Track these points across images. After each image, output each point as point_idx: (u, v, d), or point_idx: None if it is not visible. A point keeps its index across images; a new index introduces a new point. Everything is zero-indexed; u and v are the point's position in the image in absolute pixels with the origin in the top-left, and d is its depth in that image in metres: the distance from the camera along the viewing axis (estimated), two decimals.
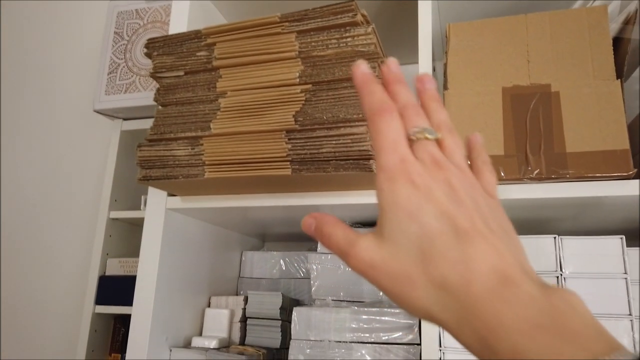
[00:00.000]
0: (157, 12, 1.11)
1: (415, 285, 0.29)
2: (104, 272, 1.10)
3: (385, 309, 0.69)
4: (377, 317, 0.69)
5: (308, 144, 0.62)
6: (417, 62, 0.73)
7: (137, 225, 1.19)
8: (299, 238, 1.09)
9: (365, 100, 0.33)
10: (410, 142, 0.32)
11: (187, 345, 0.82)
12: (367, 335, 0.69)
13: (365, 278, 0.32)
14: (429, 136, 0.32)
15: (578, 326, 0.25)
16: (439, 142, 0.33)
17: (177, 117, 0.70)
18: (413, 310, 0.30)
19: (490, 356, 0.27)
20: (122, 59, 1.10)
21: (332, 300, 0.78)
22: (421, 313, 0.30)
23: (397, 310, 0.69)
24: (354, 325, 0.69)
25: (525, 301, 0.26)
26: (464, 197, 0.30)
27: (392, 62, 0.35)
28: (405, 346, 0.67)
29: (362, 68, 0.34)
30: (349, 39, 0.64)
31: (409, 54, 1.01)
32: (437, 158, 0.31)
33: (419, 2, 0.76)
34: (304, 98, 0.65)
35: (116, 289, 1.07)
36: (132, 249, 1.18)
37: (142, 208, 1.13)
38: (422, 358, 0.63)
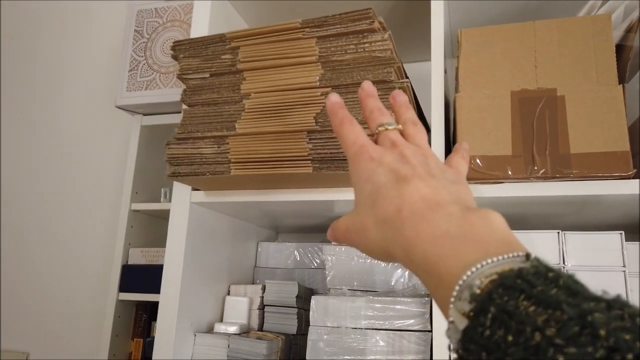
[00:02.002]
0: (176, 11, 1.15)
1: (368, 229, 0.35)
2: (127, 261, 1.15)
3: (399, 298, 0.74)
4: (391, 306, 0.74)
5: (328, 144, 0.67)
6: (429, 60, 0.76)
7: (157, 217, 1.24)
8: (311, 230, 1.14)
9: (332, 121, 0.42)
10: (377, 135, 0.40)
11: (210, 330, 0.87)
12: (382, 322, 0.73)
13: (347, 244, 0.39)
14: (388, 127, 0.40)
15: (484, 235, 0.29)
16: (402, 133, 0.41)
17: (204, 117, 0.74)
18: (374, 253, 0.36)
19: (412, 267, 0.31)
20: (142, 56, 1.14)
21: (347, 289, 0.83)
22: (379, 252, 0.35)
23: (410, 299, 0.73)
24: (369, 313, 0.74)
25: (443, 218, 0.30)
26: (412, 159, 0.36)
27: (365, 83, 0.44)
28: (417, 333, 0.72)
29: (332, 99, 0.43)
30: (366, 45, 0.68)
31: (422, 51, 1.05)
32: (394, 140, 0.38)
33: (431, 2, 0.79)
34: (324, 101, 0.69)
35: (138, 277, 1.12)
36: (152, 239, 1.23)
37: (162, 200, 1.18)
38: (432, 344, 0.68)
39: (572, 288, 0.23)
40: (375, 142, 0.40)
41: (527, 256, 0.26)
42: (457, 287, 0.26)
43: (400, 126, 0.41)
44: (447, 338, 0.27)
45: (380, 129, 0.40)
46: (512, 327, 0.22)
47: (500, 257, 0.26)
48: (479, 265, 0.26)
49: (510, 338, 0.22)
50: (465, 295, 0.26)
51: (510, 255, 0.26)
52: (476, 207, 0.32)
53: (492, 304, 0.24)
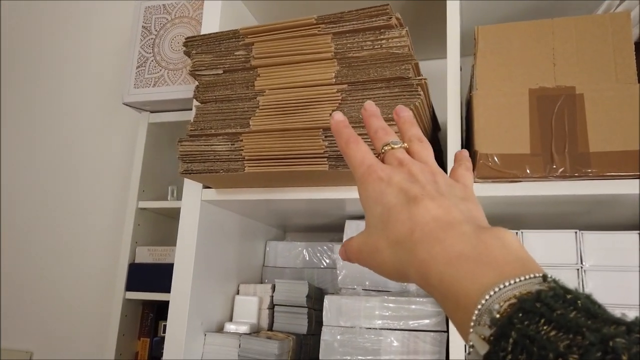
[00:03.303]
0: (185, 8, 1.14)
1: (381, 251, 0.35)
2: (134, 260, 1.14)
3: (414, 298, 0.73)
4: (406, 306, 0.73)
5: None
6: (444, 57, 0.75)
7: (164, 215, 1.23)
8: (318, 229, 1.13)
9: (337, 141, 0.42)
10: (383, 155, 0.40)
11: (220, 330, 0.86)
12: (396, 322, 0.73)
13: (360, 264, 0.38)
14: (394, 146, 0.40)
15: (499, 255, 0.29)
16: (408, 150, 0.41)
17: (217, 114, 0.73)
18: (388, 274, 0.36)
19: (428, 288, 0.31)
20: (150, 53, 1.13)
21: (360, 289, 0.82)
22: (393, 273, 0.35)
23: (425, 299, 0.73)
24: (383, 313, 0.73)
25: (456, 238, 0.30)
26: (420, 178, 0.36)
27: (367, 103, 0.45)
28: (432, 333, 0.71)
29: (336, 117, 0.43)
30: (383, 41, 0.67)
31: (434, 49, 1.04)
32: (401, 158, 0.39)
33: (447, 1, 0.78)
34: (340, 98, 0.68)
35: (145, 276, 1.11)
36: (159, 237, 1.22)
37: (169, 198, 1.17)
38: (448, 344, 0.67)
39: (591, 310, 0.24)
40: (382, 161, 0.40)
41: (544, 277, 0.26)
42: (476, 312, 0.26)
43: (405, 144, 0.41)
44: None
45: (386, 148, 0.40)
46: (535, 352, 0.22)
47: (517, 280, 0.26)
48: (496, 289, 0.26)
49: None
50: (485, 320, 0.26)
51: (527, 277, 0.26)
52: (489, 226, 0.32)
53: (513, 328, 0.24)
